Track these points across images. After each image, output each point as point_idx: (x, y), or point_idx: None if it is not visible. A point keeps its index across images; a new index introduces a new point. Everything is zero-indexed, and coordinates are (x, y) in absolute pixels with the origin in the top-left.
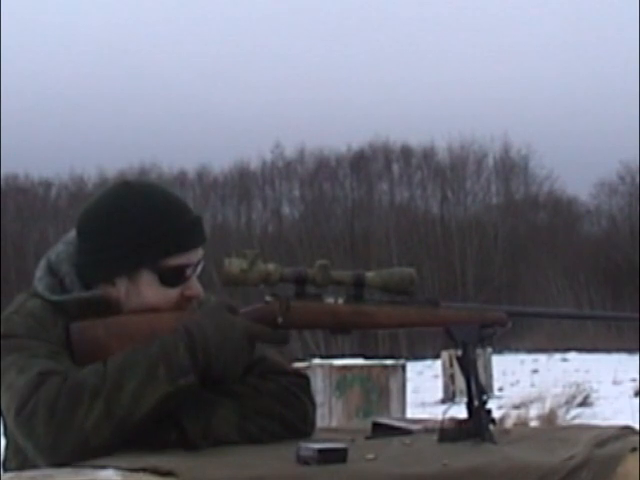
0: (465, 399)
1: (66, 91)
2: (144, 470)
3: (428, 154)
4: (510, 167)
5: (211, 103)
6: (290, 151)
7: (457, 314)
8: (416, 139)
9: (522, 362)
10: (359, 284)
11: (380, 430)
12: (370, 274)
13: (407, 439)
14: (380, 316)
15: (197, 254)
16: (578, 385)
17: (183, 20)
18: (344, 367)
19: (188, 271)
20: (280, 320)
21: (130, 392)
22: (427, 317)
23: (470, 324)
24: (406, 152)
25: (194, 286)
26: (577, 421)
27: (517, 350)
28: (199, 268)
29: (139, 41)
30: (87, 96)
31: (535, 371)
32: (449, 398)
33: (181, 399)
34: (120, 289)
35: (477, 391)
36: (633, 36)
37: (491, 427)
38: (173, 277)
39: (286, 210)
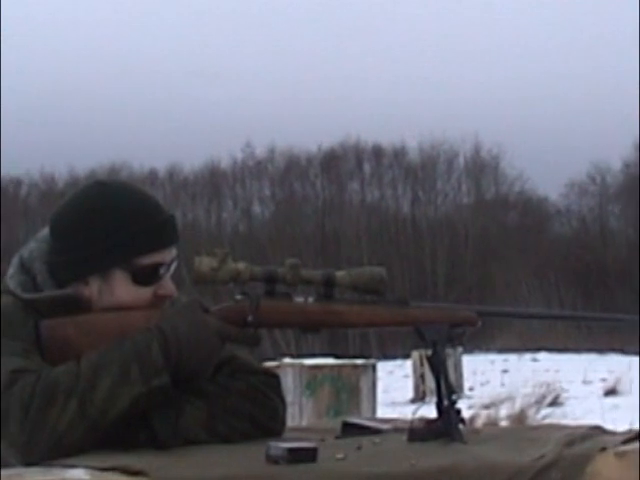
0: (435, 399)
1: (35, 89)
2: (114, 469)
3: (399, 154)
4: (481, 167)
5: (181, 102)
6: (261, 150)
7: (427, 313)
8: (387, 139)
9: (492, 362)
10: (329, 283)
11: (350, 429)
12: (340, 273)
13: (377, 439)
14: (350, 315)
15: (170, 253)
16: (548, 385)
17: (151, 17)
18: (315, 366)
19: (161, 270)
20: (250, 319)
21: (104, 392)
22: (397, 316)
23: (440, 323)
24: (377, 152)
25: (167, 285)
26: (547, 421)
27: (487, 350)
28: (172, 267)
29: (110, 40)
30: (57, 94)
31: (505, 371)
32: (419, 398)
33: (155, 399)
34: (93, 288)
35: (447, 391)
36: (603, 36)
37: (460, 427)
38: (146, 276)
39: (257, 209)
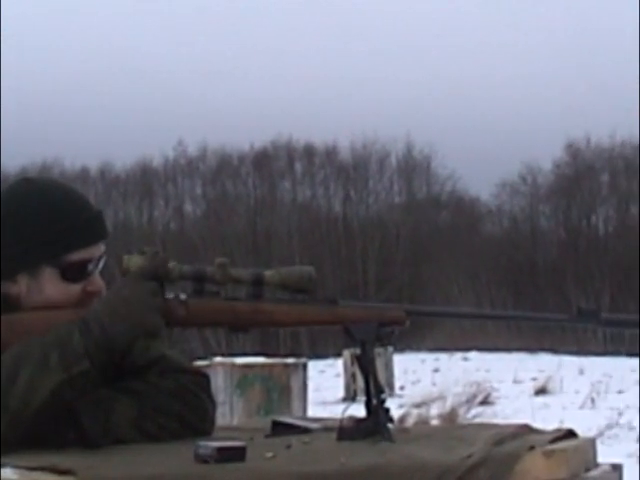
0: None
1: None
2: (42, 469)
3: (331, 153)
4: (412, 167)
5: (113, 99)
6: (192, 148)
7: (355, 312)
8: (319, 138)
9: (423, 361)
10: (258, 282)
11: (280, 429)
12: (269, 272)
13: (306, 438)
14: (278, 314)
15: (99, 249)
16: (479, 384)
17: (75, 15)
18: (245, 365)
19: (90, 266)
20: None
21: (24, 383)
22: (325, 315)
23: (368, 323)
24: (309, 151)
25: (96, 282)
26: (478, 420)
27: (418, 349)
28: (101, 263)
29: (38, 38)
30: None
31: (436, 370)
32: (351, 397)
33: (78, 388)
34: (21, 286)
35: (375, 390)
36: (535, 39)
37: (389, 425)
38: (75, 272)
39: (188, 208)
